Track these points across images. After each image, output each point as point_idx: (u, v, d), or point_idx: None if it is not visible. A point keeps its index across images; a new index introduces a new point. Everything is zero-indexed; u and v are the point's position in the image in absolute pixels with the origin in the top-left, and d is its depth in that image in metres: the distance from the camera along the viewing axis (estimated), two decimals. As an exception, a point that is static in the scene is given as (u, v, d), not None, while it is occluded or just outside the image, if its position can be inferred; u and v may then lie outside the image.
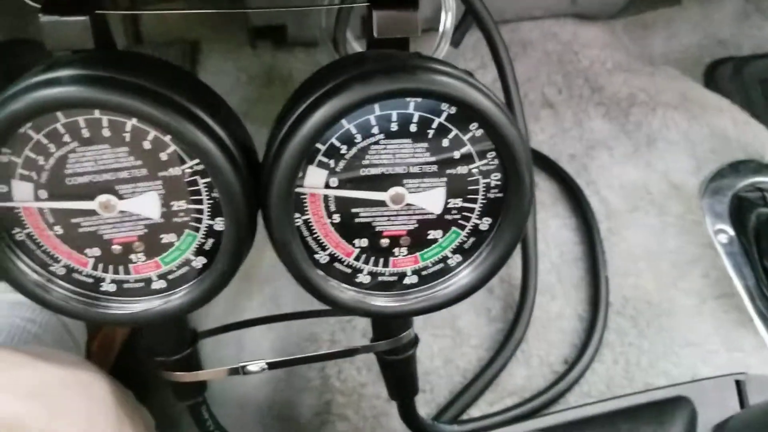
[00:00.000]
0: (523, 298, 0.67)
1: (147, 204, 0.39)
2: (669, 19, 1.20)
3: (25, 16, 0.93)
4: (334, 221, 0.41)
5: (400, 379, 0.51)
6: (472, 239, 0.43)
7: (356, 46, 0.89)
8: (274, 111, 0.97)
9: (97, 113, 0.36)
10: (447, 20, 0.71)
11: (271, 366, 0.47)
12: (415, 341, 0.49)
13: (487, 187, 0.41)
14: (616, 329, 0.68)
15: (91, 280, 0.41)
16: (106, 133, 0.36)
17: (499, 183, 0.41)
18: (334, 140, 0.38)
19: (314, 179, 0.39)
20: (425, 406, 0.62)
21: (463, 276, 0.44)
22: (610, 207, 0.78)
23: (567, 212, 0.77)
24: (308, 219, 0.41)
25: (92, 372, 0.48)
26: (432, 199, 0.41)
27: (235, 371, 0.47)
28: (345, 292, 0.43)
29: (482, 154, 0.40)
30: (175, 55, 1.00)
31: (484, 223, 0.42)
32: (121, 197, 0.38)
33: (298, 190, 0.39)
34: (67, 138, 0.36)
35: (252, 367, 0.47)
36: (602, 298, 0.68)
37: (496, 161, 0.40)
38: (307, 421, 0.62)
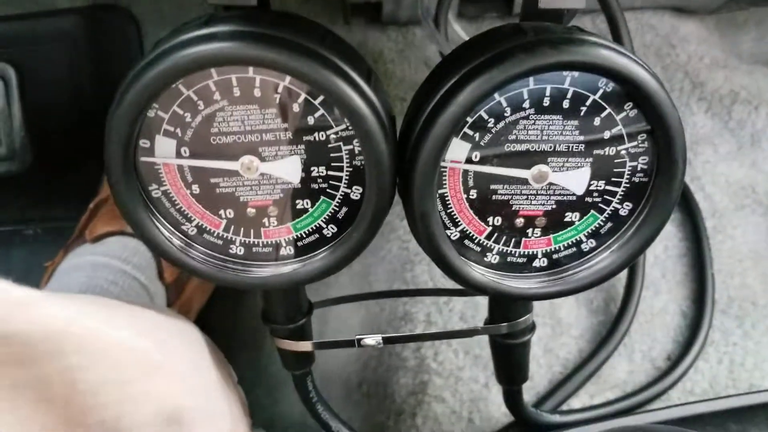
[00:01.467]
0: (628, 291, 0.65)
1: (288, 168, 0.38)
2: (760, 20, 1.15)
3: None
4: (471, 197, 0.40)
5: (513, 364, 0.50)
6: (609, 224, 0.41)
7: (457, 28, 0.88)
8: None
9: (251, 72, 0.35)
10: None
11: (387, 341, 0.46)
12: (532, 327, 0.48)
13: (633, 171, 0.39)
14: (720, 328, 0.66)
15: (220, 242, 0.41)
16: (257, 93, 0.36)
17: (645, 167, 0.39)
18: (482, 113, 0.37)
19: (457, 152, 0.38)
20: (524, 394, 0.61)
21: (597, 261, 0.42)
22: (715, 204, 0.75)
23: (672, 207, 0.75)
24: (444, 193, 0.40)
25: (185, 321, 0.49)
26: (575, 180, 0.40)
27: (349, 343, 0.46)
28: (477, 271, 0.41)
29: (633, 136, 0.38)
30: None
31: (624, 209, 0.41)
32: (263, 159, 0.38)
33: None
34: (217, 96, 0.36)
35: (368, 340, 0.46)
36: (708, 296, 0.66)
37: (647, 144, 0.39)
38: (402, 400, 0.61)
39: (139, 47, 0.97)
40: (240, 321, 0.74)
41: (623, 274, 0.66)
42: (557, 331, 0.64)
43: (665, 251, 0.71)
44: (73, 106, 0.93)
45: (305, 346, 0.47)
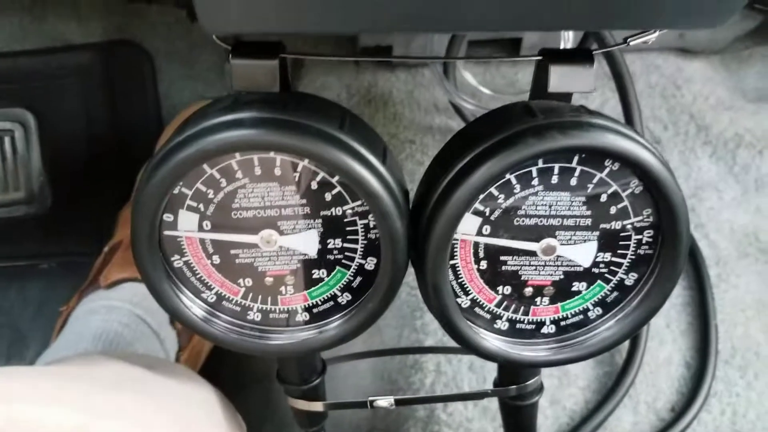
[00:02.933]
0: (634, 343, 0.66)
1: (306, 241, 0.40)
2: (765, 55, 1.17)
3: (128, 17, 0.96)
4: (481, 267, 0.41)
5: (522, 424, 0.51)
6: (615, 293, 0.43)
7: (466, 74, 0.89)
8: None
9: (272, 153, 0.37)
10: (566, 46, 0.71)
11: (399, 403, 0.47)
12: (541, 388, 0.49)
13: (639, 243, 0.41)
14: (723, 379, 0.67)
15: (238, 309, 0.43)
16: (277, 171, 0.37)
17: (650, 240, 0.41)
18: (493, 189, 0.38)
19: (468, 226, 0.40)
20: (531, 446, 0.62)
21: (605, 329, 0.43)
22: (719, 252, 0.76)
23: (676, 255, 0.76)
24: (456, 264, 0.41)
25: (192, 379, 0.50)
26: (583, 253, 0.41)
27: (362, 405, 0.48)
28: (487, 339, 0.43)
29: (638, 211, 0.40)
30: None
31: (630, 279, 0.42)
32: (282, 233, 0.39)
33: (452, 236, 0.39)
34: (239, 174, 0.37)
35: (381, 402, 0.47)
36: (712, 347, 0.67)
37: (652, 218, 0.40)
38: (411, 451, 0.63)
39: (153, 82, 0.99)
40: (254, 358, 0.75)
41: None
42: (564, 382, 0.65)
43: (670, 300, 0.71)
44: (88, 140, 0.95)
45: (318, 406, 0.48)
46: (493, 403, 0.63)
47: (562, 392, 0.65)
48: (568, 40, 0.67)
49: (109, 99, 0.96)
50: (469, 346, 0.42)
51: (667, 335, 0.69)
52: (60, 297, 0.76)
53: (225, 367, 0.78)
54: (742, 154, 0.88)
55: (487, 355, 0.42)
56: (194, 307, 0.41)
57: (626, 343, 0.67)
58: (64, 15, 0.94)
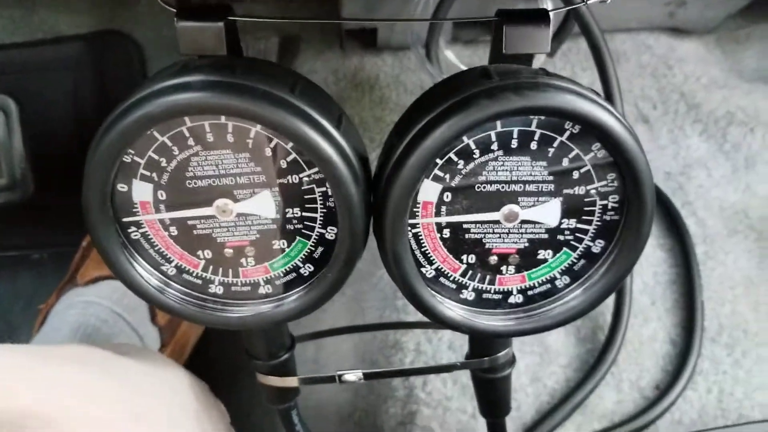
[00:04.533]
0: (616, 319, 0.65)
1: (261, 206, 0.39)
2: (763, 36, 1.15)
3: (116, 8, 0.96)
4: (444, 236, 0.41)
5: (495, 398, 0.50)
6: (582, 261, 0.42)
7: (449, 53, 0.88)
8: (359, 113, 0.97)
9: (223, 119, 0.36)
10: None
11: (367, 377, 0.47)
12: (512, 360, 0.48)
13: (604, 209, 0.40)
14: (710, 357, 0.66)
15: (200, 282, 0.42)
16: (230, 138, 0.37)
17: (616, 205, 0.40)
18: (452, 155, 0.38)
19: (429, 193, 0.39)
20: (512, 424, 0.61)
21: (572, 298, 0.43)
22: (707, 230, 0.75)
23: (662, 232, 0.75)
24: (418, 233, 0.40)
25: (173, 369, 0.49)
26: (546, 219, 0.40)
27: (330, 379, 0.47)
28: (452, 309, 0.42)
29: (602, 175, 0.39)
30: (266, 49, 1.01)
31: (597, 246, 0.41)
32: (237, 200, 0.39)
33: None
34: (191, 141, 0.37)
35: (349, 376, 0.46)
36: (698, 324, 0.66)
37: (616, 183, 0.39)
38: (391, 430, 0.62)
39: (142, 72, 0.98)
40: (241, 346, 0.75)
41: (612, 302, 0.67)
42: (545, 360, 0.65)
43: (654, 278, 0.71)
44: (75, 132, 0.95)
45: (288, 381, 0.48)
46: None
47: (543, 370, 0.64)
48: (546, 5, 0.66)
49: (98, 89, 0.96)
50: (433, 316, 0.42)
51: (651, 313, 0.68)
52: (50, 288, 0.75)
53: (212, 356, 0.78)
54: (733, 132, 0.87)
55: (451, 324, 0.42)
56: (151, 279, 0.41)
57: (608, 320, 0.66)
58: (54, 7, 0.94)
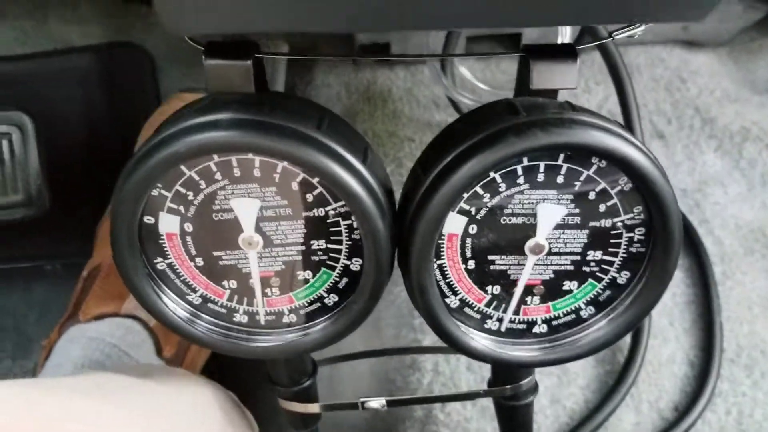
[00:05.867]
0: (635, 341, 0.65)
1: (287, 238, 0.39)
2: (776, 47, 1.15)
3: (128, 19, 0.96)
4: (469, 267, 0.41)
5: (518, 424, 0.50)
6: (607, 292, 0.42)
7: (464, 70, 0.88)
8: (372, 127, 0.97)
9: (250, 154, 0.36)
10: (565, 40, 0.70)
11: (390, 404, 0.47)
12: (535, 387, 0.48)
13: (630, 241, 0.40)
14: (729, 378, 0.66)
15: (224, 311, 0.42)
16: (256, 172, 0.37)
17: (642, 238, 0.40)
18: (477, 188, 0.38)
19: (454, 225, 0.39)
20: (530, 447, 0.61)
21: (597, 329, 0.42)
22: (724, 249, 0.74)
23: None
24: (443, 264, 0.40)
25: (190, 382, 0.49)
26: (571, 250, 0.40)
27: (353, 406, 0.47)
28: (476, 340, 0.42)
29: (628, 208, 0.39)
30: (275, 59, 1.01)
31: (622, 277, 0.41)
32: (264, 235, 0.39)
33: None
34: (218, 176, 0.37)
35: (372, 403, 0.47)
36: (716, 345, 0.66)
37: (643, 215, 0.39)
38: (409, 453, 0.62)
39: (154, 83, 0.99)
40: (249, 367, 0.75)
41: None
42: (564, 381, 0.64)
43: (673, 298, 0.71)
44: (89, 143, 0.95)
45: (309, 407, 0.48)
46: (492, 403, 0.62)
47: (562, 391, 0.64)
48: (565, 34, 0.66)
49: (109, 100, 0.96)
50: (457, 347, 0.41)
51: (670, 333, 0.68)
52: (64, 299, 0.75)
53: (225, 375, 0.78)
54: (749, 148, 0.86)
55: (476, 355, 0.42)
56: (178, 310, 0.41)
57: (627, 341, 0.66)
58: (65, 18, 0.94)
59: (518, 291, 0.41)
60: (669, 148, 0.86)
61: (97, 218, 0.86)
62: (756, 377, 0.66)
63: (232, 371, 0.76)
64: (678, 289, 0.71)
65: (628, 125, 0.66)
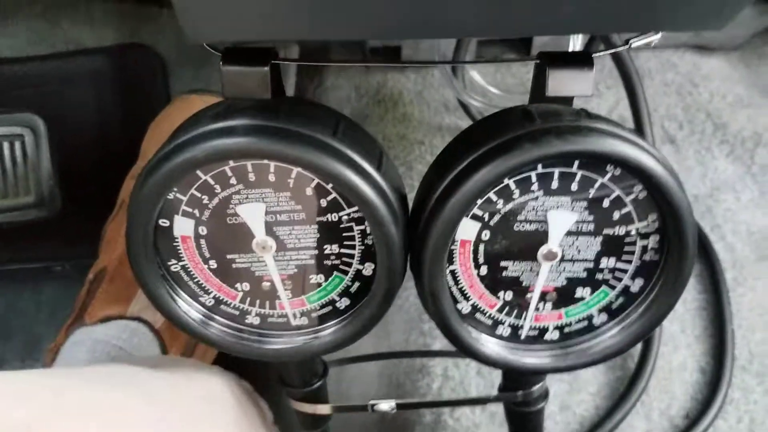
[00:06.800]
0: (646, 348, 0.64)
1: (300, 242, 0.39)
2: (788, 51, 1.14)
3: (140, 21, 0.96)
4: (481, 273, 0.41)
5: (527, 430, 0.50)
6: (620, 300, 0.42)
7: (474, 73, 0.88)
8: (383, 130, 0.97)
9: (265, 160, 0.36)
10: (575, 48, 0.70)
11: (400, 407, 0.47)
12: (546, 394, 0.48)
13: (644, 249, 0.40)
14: (740, 386, 0.65)
15: (237, 312, 0.42)
16: (271, 178, 0.37)
17: (656, 246, 0.40)
18: (491, 194, 0.38)
19: (467, 231, 0.39)
20: (540, 452, 0.61)
21: (609, 336, 0.42)
22: (736, 255, 0.74)
23: (691, 257, 0.74)
24: (455, 269, 0.40)
25: (201, 372, 0.49)
26: (584, 258, 0.40)
27: (362, 408, 0.47)
28: (487, 346, 0.42)
29: (643, 216, 0.39)
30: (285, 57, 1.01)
31: (635, 285, 0.41)
32: (277, 239, 0.39)
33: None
34: (233, 180, 0.37)
35: (382, 405, 0.47)
36: (728, 353, 0.65)
37: (657, 224, 0.39)
38: (418, 457, 0.62)
39: (165, 85, 0.99)
40: (255, 367, 0.75)
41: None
42: (574, 388, 0.64)
43: (684, 305, 0.70)
44: (100, 144, 0.95)
45: (320, 409, 0.48)
46: (501, 409, 0.62)
47: (572, 398, 0.63)
48: (577, 40, 0.66)
49: (121, 102, 0.96)
50: (468, 352, 0.42)
51: (681, 340, 0.67)
52: (73, 300, 0.76)
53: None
54: (761, 153, 0.86)
55: (487, 361, 0.42)
56: (191, 311, 0.41)
57: (638, 348, 0.66)
58: (78, 20, 0.95)
59: (534, 298, 0.41)
60: (680, 153, 0.86)
61: (107, 219, 0.86)
62: None
63: (238, 372, 0.77)
64: (689, 296, 0.71)
65: (639, 131, 0.66)
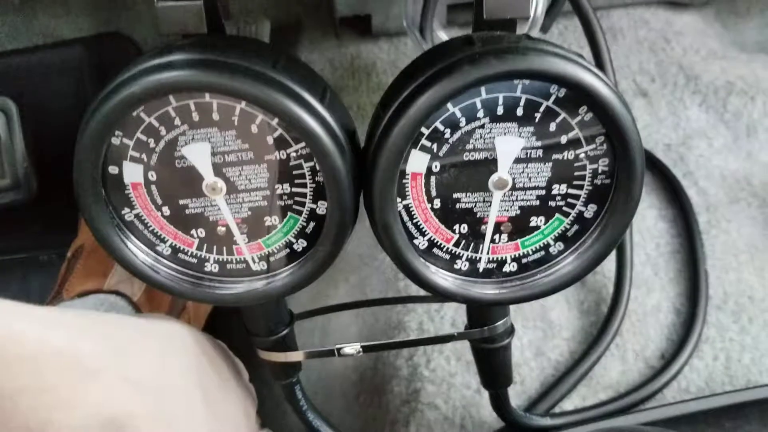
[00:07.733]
0: (618, 291, 0.64)
1: (250, 182, 0.40)
2: (764, 8, 1.14)
3: (115, 10, 0.96)
4: (435, 206, 0.41)
5: (495, 368, 0.50)
6: (575, 227, 0.42)
7: (443, 35, 0.88)
8: (357, 101, 0.97)
9: (207, 97, 0.36)
10: (538, 6, 0.70)
11: (366, 349, 0.47)
12: (511, 330, 0.48)
13: (594, 173, 0.40)
14: (716, 324, 0.65)
15: (195, 260, 0.42)
16: (215, 116, 0.37)
17: (606, 169, 0.40)
18: (438, 124, 0.38)
19: (417, 163, 0.39)
20: (516, 398, 0.61)
21: (566, 264, 0.43)
22: (709, 199, 0.74)
23: (663, 203, 0.74)
24: (409, 204, 0.40)
25: (170, 323, 0.48)
26: (536, 185, 0.40)
27: (330, 353, 0.47)
28: (445, 279, 0.42)
29: (591, 139, 0.39)
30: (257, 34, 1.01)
31: (589, 211, 0.41)
32: (227, 180, 0.39)
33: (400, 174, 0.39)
34: (177, 121, 0.37)
35: (347, 349, 0.47)
36: (702, 292, 0.66)
37: (605, 146, 0.39)
38: (396, 409, 0.62)
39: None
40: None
41: (614, 273, 0.66)
42: (548, 334, 0.65)
43: (657, 249, 0.70)
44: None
45: (289, 356, 0.48)
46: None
47: (546, 344, 0.64)
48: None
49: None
50: (427, 287, 0.42)
51: (655, 283, 0.68)
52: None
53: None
54: (734, 101, 0.86)
55: (446, 295, 0.42)
56: (146, 258, 0.41)
57: (610, 292, 0.66)
58: (54, 12, 0.95)
59: (489, 229, 0.41)
60: (653, 106, 0.86)
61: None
62: (744, 322, 0.65)
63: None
64: (663, 240, 0.71)
65: (601, 68, 0.66)
